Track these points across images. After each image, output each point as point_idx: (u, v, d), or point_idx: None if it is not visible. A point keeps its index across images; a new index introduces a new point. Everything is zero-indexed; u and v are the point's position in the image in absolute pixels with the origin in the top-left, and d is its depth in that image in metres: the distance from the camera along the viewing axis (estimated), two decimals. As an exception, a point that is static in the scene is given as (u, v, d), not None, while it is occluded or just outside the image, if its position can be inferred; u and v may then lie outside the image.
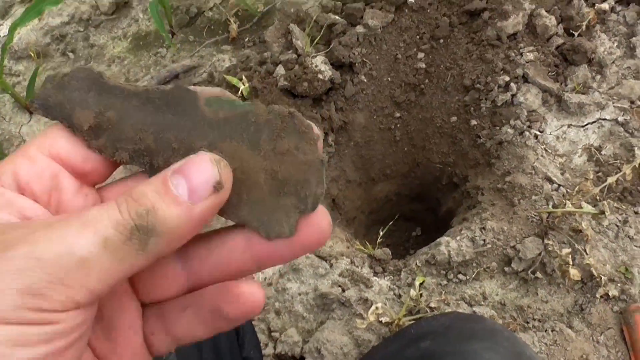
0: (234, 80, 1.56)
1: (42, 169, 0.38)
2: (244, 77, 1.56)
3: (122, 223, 0.33)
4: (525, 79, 1.50)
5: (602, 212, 1.17)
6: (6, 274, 0.30)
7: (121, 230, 0.33)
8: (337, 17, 1.64)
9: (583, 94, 1.48)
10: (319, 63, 1.54)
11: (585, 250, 1.22)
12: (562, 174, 1.37)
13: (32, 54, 1.82)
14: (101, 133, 0.40)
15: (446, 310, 1.21)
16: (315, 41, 1.61)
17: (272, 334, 1.24)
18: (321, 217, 0.40)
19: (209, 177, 0.36)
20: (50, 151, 0.39)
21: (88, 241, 0.32)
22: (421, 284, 1.25)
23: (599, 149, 1.40)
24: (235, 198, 0.40)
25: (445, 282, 1.27)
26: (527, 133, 1.43)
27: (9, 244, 0.31)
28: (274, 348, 1.22)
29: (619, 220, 1.29)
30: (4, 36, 1.86)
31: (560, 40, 1.55)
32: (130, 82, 1.73)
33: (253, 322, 1.23)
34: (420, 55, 1.59)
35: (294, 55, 1.58)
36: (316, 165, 0.40)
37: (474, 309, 1.21)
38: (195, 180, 0.35)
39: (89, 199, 0.40)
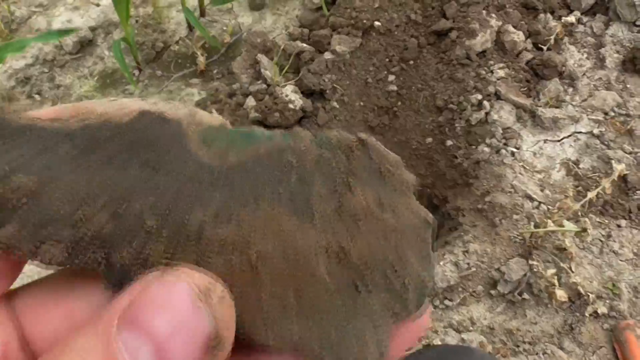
0: (204, 115, 1.53)
1: None
2: (214, 110, 1.53)
3: None
4: (498, 96, 1.49)
5: (585, 230, 1.16)
6: None
7: None
8: (304, 45, 1.62)
9: (556, 108, 1.47)
10: (289, 92, 1.52)
11: (570, 269, 1.20)
12: (541, 190, 1.35)
13: (-3, 99, 1.78)
14: (6, 216, 0.22)
15: (434, 339, 1.18)
16: (284, 70, 1.59)
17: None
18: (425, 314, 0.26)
19: (194, 329, 0.20)
20: None
21: None
22: (407, 313, 1.22)
23: (577, 162, 1.39)
24: (278, 308, 0.23)
25: (431, 309, 1.24)
26: (503, 151, 1.42)
27: None
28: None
29: (603, 235, 1.27)
30: (-33, 82, 1.82)
31: (529, 55, 1.55)
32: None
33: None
34: (391, 77, 1.58)
35: (264, 86, 1.56)
36: (418, 232, 0.25)
37: (462, 335, 1.18)
38: (169, 340, 0.20)
39: None
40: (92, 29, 1.91)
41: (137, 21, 1.91)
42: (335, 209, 0.24)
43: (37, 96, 1.82)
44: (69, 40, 1.87)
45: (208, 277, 0.21)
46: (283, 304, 0.23)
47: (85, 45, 1.90)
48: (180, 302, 0.20)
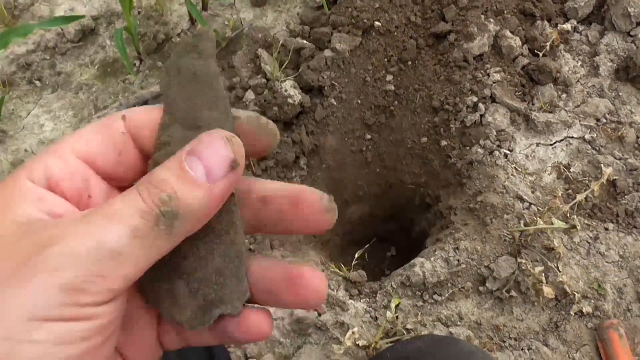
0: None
1: (74, 171, 0.38)
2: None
3: (147, 211, 0.34)
4: (493, 99, 1.52)
5: (574, 227, 1.18)
6: (45, 273, 0.31)
7: (147, 218, 0.34)
8: (304, 42, 1.64)
9: (550, 112, 1.50)
10: (288, 87, 1.54)
11: (558, 268, 1.22)
12: (532, 192, 1.38)
13: (-3, 83, 1.79)
14: None
15: (422, 332, 1.20)
16: (284, 66, 1.61)
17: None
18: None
19: (224, 156, 0.36)
20: (82, 154, 0.39)
21: (117, 233, 0.33)
22: (397, 305, 1.24)
23: (568, 166, 1.42)
24: None
25: (420, 303, 1.26)
26: (496, 152, 1.45)
27: (43, 243, 0.32)
28: (251, 376, 1.20)
29: (590, 237, 1.30)
30: (-32, 66, 1.83)
31: (525, 61, 1.58)
32: (98, 109, 1.72)
33: (229, 348, 1.21)
34: (389, 77, 1.60)
35: (263, 80, 1.58)
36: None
37: (450, 329, 1.21)
38: (211, 161, 0.36)
39: None
40: (95, 18, 1.93)
41: (139, 12, 1.93)
42: None
43: (37, 82, 1.83)
44: (71, 28, 1.88)
45: (232, 133, 0.38)
46: None
47: (87, 34, 1.92)
48: (217, 140, 0.36)
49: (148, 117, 0.41)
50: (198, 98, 0.40)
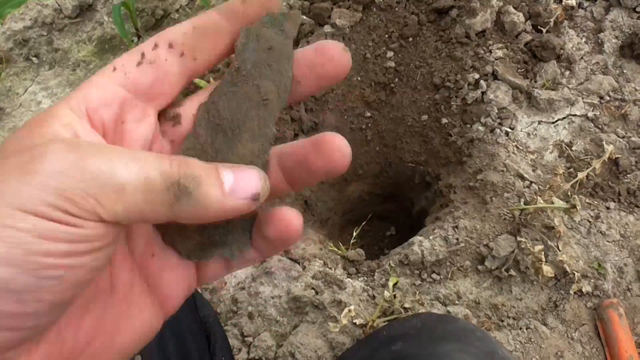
0: (201, 83, 1.53)
1: (112, 98, 0.40)
2: (212, 79, 1.54)
3: (168, 173, 0.35)
4: (495, 76, 1.50)
5: (574, 207, 1.17)
6: (48, 173, 0.32)
7: (164, 178, 0.35)
8: (304, 17, 1.62)
9: (553, 90, 1.48)
10: (288, 63, 1.52)
11: (558, 247, 1.21)
12: (533, 170, 1.36)
13: (-6, 60, 1.78)
14: None
15: (420, 311, 1.19)
16: (284, 41, 1.58)
17: (246, 338, 1.21)
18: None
19: (252, 186, 0.39)
20: (121, 81, 0.41)
21: (131, 173, 0.34)
22: (395, 284, 1.23)
23: (570, 144, 1.40)
24: None
25: (419, 282, 1.25)
26: (498, 130, 1.43)
27: (65, 148, 0.33)
28: (248, 353, 1.20)
29: (591, 216, 1.29)
30: (-36, 41, 1.82)
31: (528, 37, 1.55)
32: None
33: (225, 327, 1.20)
34: (390, 54, 1.58)
35: (262, 56, 1.56)
36: None
37: (448, 308, 1.20)
38: (241, 182, 0.38)
39: (151, 129, 0.43)
40: (93, -6, 1.90)
41: (137, -13, 1.90)
42: None
43: (34, 59, 1.82)
44: (68, 4, 1.86)
45: (265, 175, 0.41)
46: None
47: (84, 10, 1.90)
48: (254, 175, 0.39)
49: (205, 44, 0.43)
50: (265, 69, 0.42)
